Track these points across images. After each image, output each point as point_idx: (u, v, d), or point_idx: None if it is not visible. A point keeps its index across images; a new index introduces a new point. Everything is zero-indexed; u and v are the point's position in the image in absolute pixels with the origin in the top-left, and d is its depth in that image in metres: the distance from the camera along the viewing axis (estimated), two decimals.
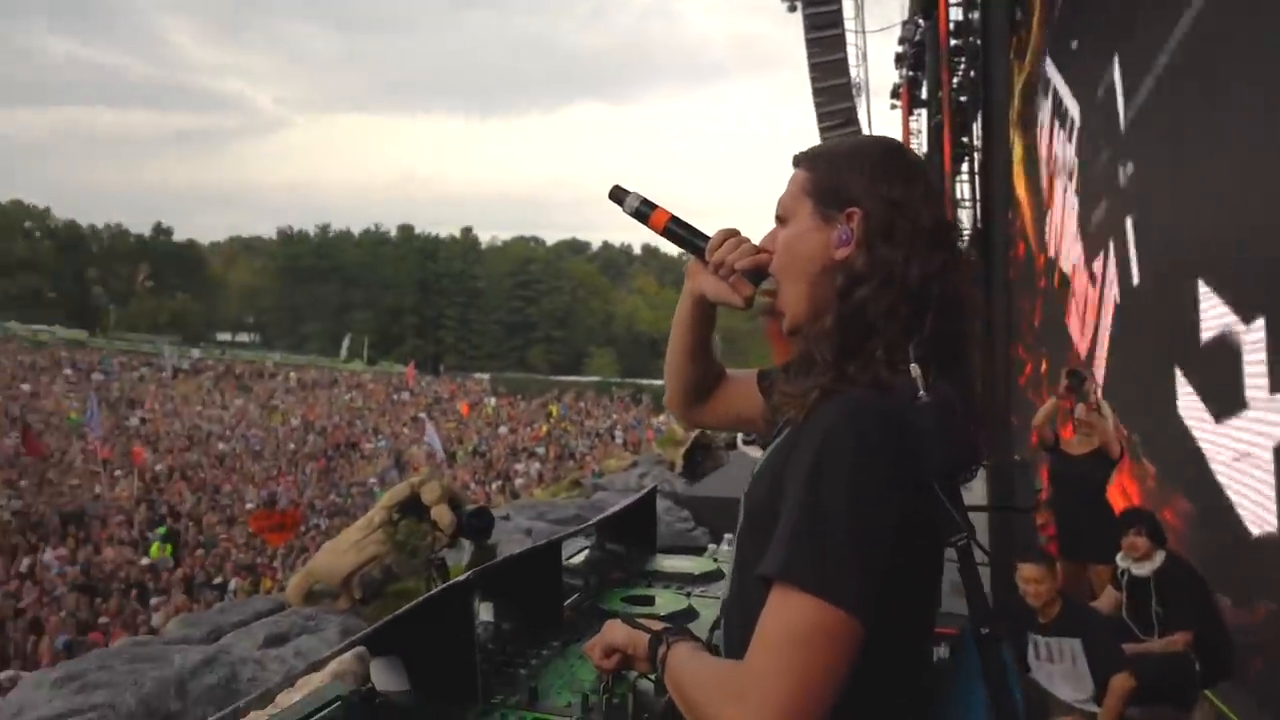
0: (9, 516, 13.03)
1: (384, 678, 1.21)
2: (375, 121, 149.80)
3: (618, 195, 1.21)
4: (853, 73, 12.27)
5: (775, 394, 1.06)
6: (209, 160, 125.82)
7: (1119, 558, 3.75)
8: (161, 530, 12.38)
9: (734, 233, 1.13)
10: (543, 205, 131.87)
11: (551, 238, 72.50)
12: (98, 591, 9.91)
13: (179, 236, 66.92)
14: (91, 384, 29.97)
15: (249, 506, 14.30)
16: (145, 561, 10.81)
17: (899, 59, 11.83)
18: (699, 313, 1.24)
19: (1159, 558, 3.60)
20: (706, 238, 1.14)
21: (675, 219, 1.18)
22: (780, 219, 1.05)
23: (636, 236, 73.76)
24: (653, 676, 1.07)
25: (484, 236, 67.79)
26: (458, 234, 66.62)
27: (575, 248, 72.19)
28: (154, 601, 9.57)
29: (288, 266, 63.45)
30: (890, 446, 0.84)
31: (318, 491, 17.75)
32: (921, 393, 0.86)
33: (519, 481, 19.79)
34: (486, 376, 47.85)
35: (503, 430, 28.03)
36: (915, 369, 0.88)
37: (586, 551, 1.96)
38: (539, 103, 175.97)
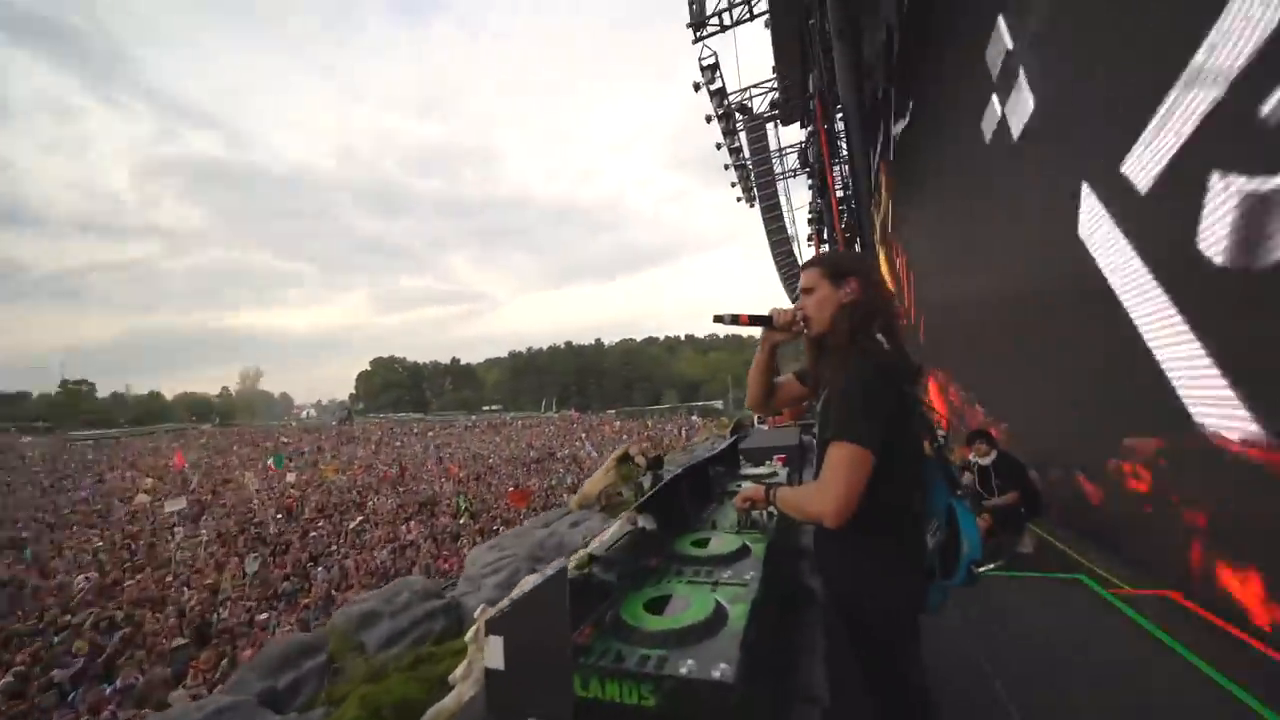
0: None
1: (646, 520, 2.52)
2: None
3: (719, 318, 2.05)
4: (789, 229, 24.34)
5: (820, 373, 2.00)
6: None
7: (970, 456, 6.10)
8: (460, 501, 21.11)
9: (785, 309, 2.07)
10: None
11: (639, 336, 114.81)
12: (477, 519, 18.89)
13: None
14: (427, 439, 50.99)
15: (510, 488, 23.22)
16: (462, 520, 19.08)
17: (810, 220, 20.39)
18: (772, 355, 2.18)
19: (993, 455, 5.98)
20: (768, 318, 2.05)
21: (750, 316, 2.06)
22: (807, 291, 2.02)
23: (684, 329, 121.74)
24: (768, 510, 2.19)
25: (607, 340, 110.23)
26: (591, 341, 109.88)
27: (651, 341, 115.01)
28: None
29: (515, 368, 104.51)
30: (880, 372, 1.78)
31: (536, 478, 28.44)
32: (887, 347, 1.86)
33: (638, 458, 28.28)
34: (613, 412, 78.15)
35: (624, 436, 44.92)
36: (881, 340, 1.89)
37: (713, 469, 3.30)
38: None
